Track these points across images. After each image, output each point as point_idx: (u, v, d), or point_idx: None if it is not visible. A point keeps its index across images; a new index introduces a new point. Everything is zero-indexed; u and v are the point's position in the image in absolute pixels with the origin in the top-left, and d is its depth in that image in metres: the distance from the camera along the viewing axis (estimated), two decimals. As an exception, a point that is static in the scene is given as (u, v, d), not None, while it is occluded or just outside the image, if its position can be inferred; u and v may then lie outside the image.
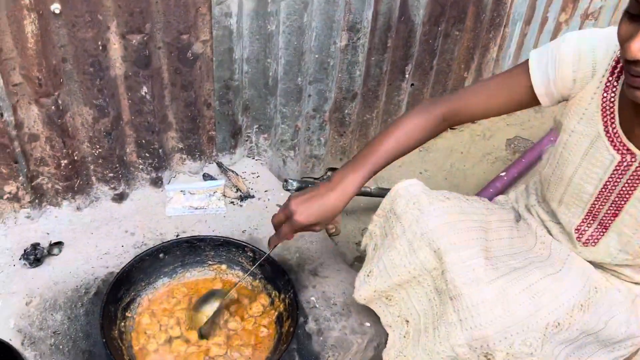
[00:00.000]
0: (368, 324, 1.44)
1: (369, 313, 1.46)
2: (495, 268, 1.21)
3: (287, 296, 1.38)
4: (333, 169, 2.13)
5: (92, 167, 1.54)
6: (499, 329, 1.12)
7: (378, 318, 1.46)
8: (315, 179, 2.05)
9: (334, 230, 1.95)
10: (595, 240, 1.26)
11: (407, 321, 1.30)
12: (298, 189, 1.82)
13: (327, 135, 1.96)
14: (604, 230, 1.23)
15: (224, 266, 1.48)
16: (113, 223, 1.59)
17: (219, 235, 1.48)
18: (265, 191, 1.77)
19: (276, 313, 1.39)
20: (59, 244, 1.48)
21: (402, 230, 1.27)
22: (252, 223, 1.65)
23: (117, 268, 1.45)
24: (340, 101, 1.91)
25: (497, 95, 1.29)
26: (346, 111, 1.94)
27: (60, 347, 1.28)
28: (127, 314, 1.34)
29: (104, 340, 1.20)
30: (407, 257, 1.25)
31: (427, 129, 1.30)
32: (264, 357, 1.31)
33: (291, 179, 1.80)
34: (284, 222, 1.25)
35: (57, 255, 1.47)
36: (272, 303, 1.42)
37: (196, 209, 1.65)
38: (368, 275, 1.33)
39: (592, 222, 1.24)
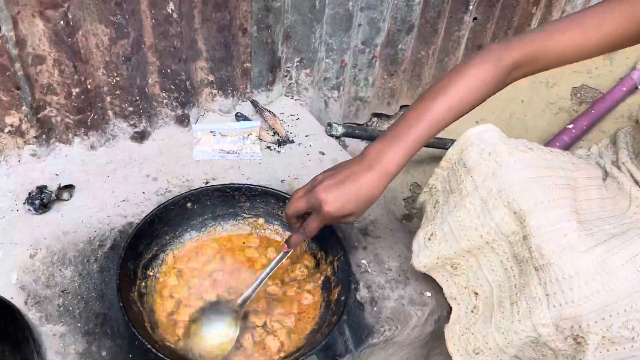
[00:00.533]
0: (429, 294, 1.22)
1: (429, 280, 1.24)
2: (590, 234, 0.97)
3: (336, 258, 1.16)
4: (379, 115, 1.89)
5: (108, 98, 1.31)
6: (596, 307, 0.90)
7: (440, 286, 1.25)
8: (359, 124, 1.81)
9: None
10: None
11: (476, 293, 1.07)
12: (344, 135, 1.58)
13: (376, 74, 1.71)
14: None
15: (261, 220, 1.26)
16: (132, 165, 1.37)
17: (256, 185, 1.26)
18: (306, 136, 1.53)
19: (322, 277, 1.18)
20: (69, 187, 1.27)
21: (473, 186, 1.04)
22: (292, 172, 1.42)
23: (137, 218, 1.25)
24: (393, 34, 1.64)
25: (602, 26, 1.03)
26: (400, 46, 1.68)
27: (70, 308, 1.08)
28: (148, 272, 1.14)
29: (121, 303, 1.00)
30: (480, 219, 1.02)
31: (493, 82, 1.03)
32: (308, 329, 1.10)
33: (335, 123, 1.56)
34: (304, 214, 1.01)
35: (67, 200, 1.26)
36: (317, 266, 1.20)
37: (228, 153, 1.42)
38: (429, 239, 1.11)
39: None
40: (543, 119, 2.05)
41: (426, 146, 1.74)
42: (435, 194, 1.18)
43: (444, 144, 1.75)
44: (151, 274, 1.14)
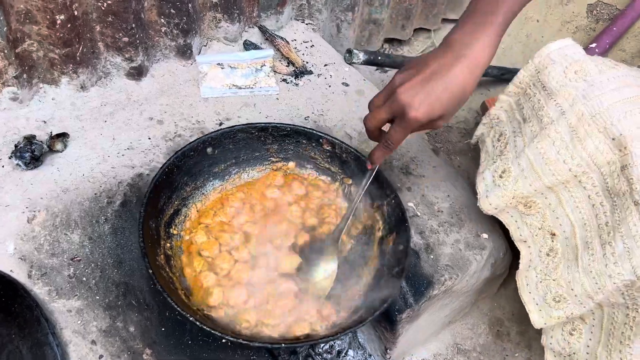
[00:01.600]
0: (485, 236, 1.10)
1: (483, 221, 1.12)
2: None
3: (386, 202, 1.01)
4: (391, 41, 1.71)
5: (98, 27, 1.09)
6: None
7: (494, 227, 1.12)
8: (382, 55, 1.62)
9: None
10: None
11: (554, 234, 0.95)
12: (365, 63, 1.40)
13: (392, -7, 1.52)
14: None
15: (291, 164, 1.09)
16: (132, 107, 1.17)
17: (285, 123, 1.08)
18: (325, 65, 1.35)
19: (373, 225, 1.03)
20: (62, 136, 1.07)
21: (559, 112, 0.90)
22: (316, 107, 1.25)
23: (147, 168, 1.06)
24: (413, -56, 1.44)
25: None
26: (418, -40, 1.49)
27: (84, 279, 0.91)
28: (172, 230, 0.97)
29: (150, 270, 0.83)
30: (569, 150, 0.89)
31: None
32: (367, 284, 0.96)
33: (356, 50, 1.38)
34: (386, 122, 0.85)
35: (61, 152, 1.06)
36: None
37: (240, 88, 1.23)
38: (501, 177, 0.97)
39: None
40: (561, 39, 1.90)
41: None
42: (499, 126, 1.04)
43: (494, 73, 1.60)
44: (175, 232, 0.97)
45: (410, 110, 0.80)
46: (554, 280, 0.96)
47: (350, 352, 1.18)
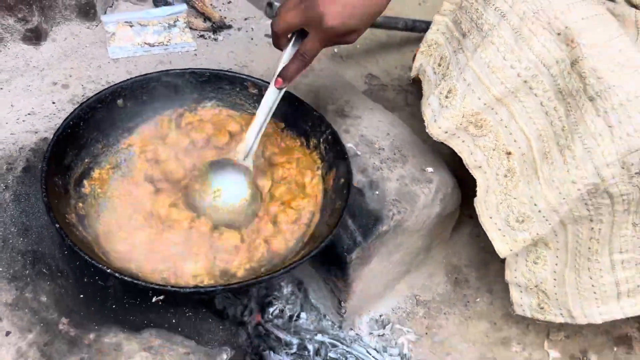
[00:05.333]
0: (430, 169, 1.03)
1: (427, 157, 1.06)
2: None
3: (322, 140, 0.94)
4: None
5: (-19, -17, 0.98)
6: None
7: (439, 161, 1.07)
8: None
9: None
10: None
11: (509, 153, 0.89)
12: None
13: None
14: None
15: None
16: (32, 73, 1.05)
17: (204, 68, 0.99)
18: (245, 19, 1.27)
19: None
20: (-51, 103, 0.94)
21: (499, 15, 0.85)
22: (239, 60, 1.16)
23: (52, 132, 0.94)
24: None
25: None
26: None
27: (-16, 252, 0.79)
28: (84, 190, 0.86)
29: (57, 225, 0.72)
30: (515, 53, 0.84)
31: None
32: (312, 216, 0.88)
33: (277, 2, 1.30)
34: (298, 32, 0.82)
35: (-51, 121, 0.94)
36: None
37: (153, 46, 1.13)
38: (447, 97, 0.91)
39: None
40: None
41: (378, 26, 1.54)
42: (438, 50, 0.98)
43: (395, 23, 1.55)
44: (88, 191, 0.86)
45: (328, 18, 0.76)
46: (515, 198, 0.89)
47: (303, 315, 1.10)
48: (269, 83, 0.97)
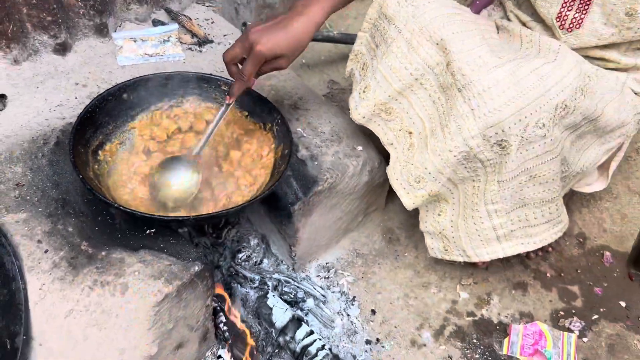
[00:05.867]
0: (360, 148, 1.36)
1: (359, 138, 1.39)
2: (499, 56, 1.15)
3: (275, 123, 1.27)
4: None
5: (25, 10, 1.32)
6: (513, 111, 1.07)
7: (369, 143, 1.39)
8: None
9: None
10: (579, 22, 1.22)
11: (410, 132, 1.22)
12: (259, 33, 1.67)
13: (280, -21, 1.81)
14: (585, 6, 1.19)
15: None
16: (60, 76, 1.39)
17: (188, 71, 1.33)
18: (225, 35, 1.61)
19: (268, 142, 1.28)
20: (1, 97, 1.28)
21: (397, 32, 1.18)
22: (217, 66, 1.50)
23: (75, 118, 1.28)
24: (291, -63, 1.74)
25: None
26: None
27: (28, 197, 1.12)
28: (98, 157, 1.19)
29: (80, 175, 1.05)
30: (407, 58, 1.17)
31: None
32: (264, 181, 1.20)
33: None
34: (240, 59, 1.11)
35: (1, 110, 1.27)
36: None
37: (151, 56, 1.47)
38: (364, 91, 1.24)
39: (572, 3, 1.20)
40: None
41: (337, 41, 1.88)
42: (362, 58, 1.30)
43: (353, 39, 1.89)
44: (101, 158, 1.19)
45: (257, 45, 1.05)
46: (412, 165, 1.21)
47: (265, 261, 1.42)
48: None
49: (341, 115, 1.45)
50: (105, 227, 1.11)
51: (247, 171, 1.21)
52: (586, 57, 1.25)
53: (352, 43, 1.92)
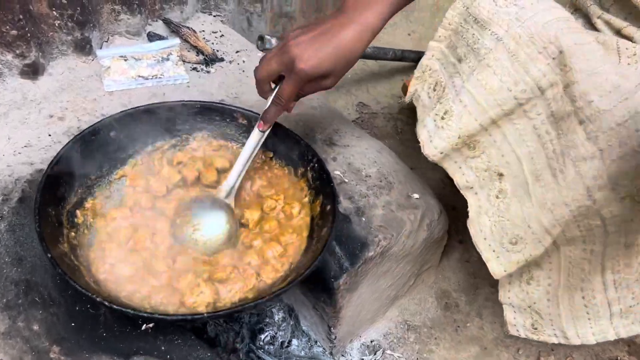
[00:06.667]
0: (416, 196, 1.06)
1: (413, 183, 1.08)
2: (625, 78, 0.84)
3: (309, 168, 0.97)
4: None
5: (-19, 21, 1.02)
6: None
7: (425, 188, 1.09)
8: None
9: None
10: None
11: (501, 175, 0.91)
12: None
13: (300, -16, 1.51)
14: None
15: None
16: (29, 107, 1.09)
17: (194, 100, 1.03)
18: (237, 52, 1.31)
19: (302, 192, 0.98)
20: (-53, 137, 0.97)
21: (495, 39, 0.86)
22: (230, 91, 1.20)
23: (47, 164, 0.97)
24: None
25: None
26: (321, -52, 1.49)
27: (-23, 281, 0.81)
28: (76, 220, 0.88)
29: (49, 254, 0.75)
30: (511, 75, 0.85)
31: None
32: (296, 250, 0.90)
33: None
34: (276, 76, 0.87)
35: (-53, 154, 0.97)
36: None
37: (147, 79, 1.17)
38: (443, 118, 0.92)
39: None
40: None
41: (368, 57, 1.58)
42: (433, 76, 1.00)
43: (385, 54, 1.59)
44: (80, 221, 0.88)
45: (299, 62, 0.81)
46: (508, 220, 0.90)
47: (295, 342, 1.11)
48: (258, 114, 1.01)
49: (387, 151, 1.15)
50: (85, 322, 0.80)
51: (274, 238, 0.90)
52: None
53: (385, 59, 1.64)
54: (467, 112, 0.89)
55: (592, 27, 1.10)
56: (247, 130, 1.02)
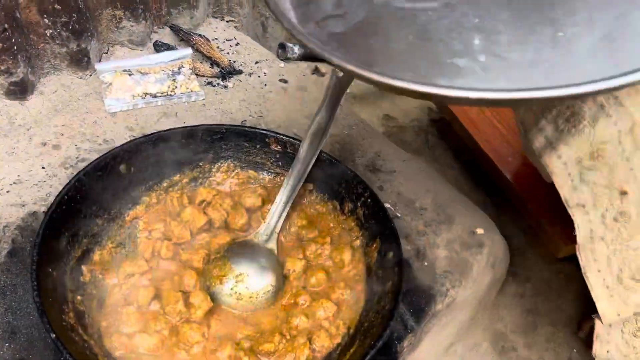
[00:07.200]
0: (480, 231, 0.90)
1: (475, 215, 0.93)
2: None
3: (361, 203, 0.81)
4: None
5: (-43, 32, 0.84)
6: None
7: (488, 221, 0.94)
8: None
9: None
10: None
11: (625, 193, 0.74)
12: (303, 58, 1.20)
13: (319, -16, 1.34)
14: None
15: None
16: (17, 133, 0.91)
17: (219, 124, 0.86)
18: (256, 63, 1.14)
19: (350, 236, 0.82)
20: None
21: None
22: (252, 109, 1.03)
23: (42, 204, 0.81)
24: None
25: None
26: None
27: (-41, 364, 0.64)
28: (82, 278, 0.71)
29: (54, 335, 0.58)
30: None
31: None
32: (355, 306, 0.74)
33: (291, 44, 1.17)
34: None
35: None
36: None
37: (155, 96, 1.00)
38: (568, 120, 0.74)
39: None
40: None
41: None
42: None
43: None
44: (87, 279, 0.71)
45: None
46: (633, 250, 0.74)
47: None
48: (295, 138, 0.85)
49: (440, 178, 0.99)
50: (98, 414, 0.63)
51: (323, 293, 0.74)
52: None
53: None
54: (604, 114, 0.71)
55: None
56: (282, 158, 0.86)
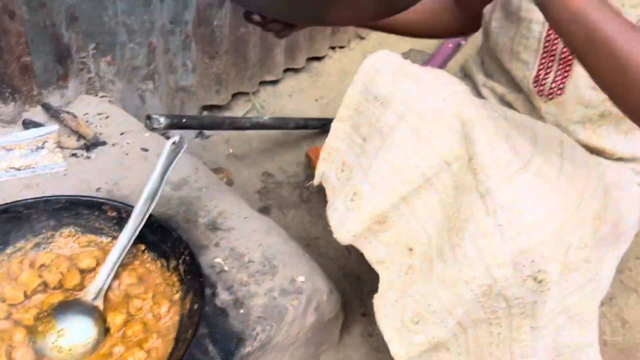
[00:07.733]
0: (302, 279, 1.02)
1: (299, 265, 1.05)
2: (516, 152, 0.82)
3: (182, 261, 0.92)
4: (209, 107, 1.67)
5: None
6: (555, 228, 0.74)
7: (313, 268, 1.06)
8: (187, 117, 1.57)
9: (225, 180, 1.50)
10: (561, 86, 0.96)
11: (411, 249, 0.86)
12: (169, 128, 1.33)
13: (195, 58, 1.49)
14: (566, 68, 0.94)
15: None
16: None
17: (57, 195, 0.97)
18: (122, 134, 1.26)
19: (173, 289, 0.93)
20: None
21: (398, 117, 0.82)
22: (110, 177, 1.15)
23: None
24: (204, 8, 1.44)
25: None
26: (215, 23, 1.48)
27: None
28: None
29: None
30: (417, 152, 0.81)
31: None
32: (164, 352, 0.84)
33: (156, 115, 1.31)
34: None
35: None
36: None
37: (19, 169, 1.11)
38: (352, 200, 0.88)
39: (550, 64, 0.95)
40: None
41: (269, 128, 1.56)
42: (338, 156, 0.94)
43: (287, 124, 1.58)
44: None
45: None
46: (410, 296, 0.85)
47: None
48: (128, 205, 0.97)
49: (276, 231, 1.11)
50: None
51: (137, 343, 0.85)
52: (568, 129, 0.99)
53: (288, 128, 1.62)
54: (376, 193, 0.84)
55: (479, 94, 1.11)
56: (118, 223, 0.97)
